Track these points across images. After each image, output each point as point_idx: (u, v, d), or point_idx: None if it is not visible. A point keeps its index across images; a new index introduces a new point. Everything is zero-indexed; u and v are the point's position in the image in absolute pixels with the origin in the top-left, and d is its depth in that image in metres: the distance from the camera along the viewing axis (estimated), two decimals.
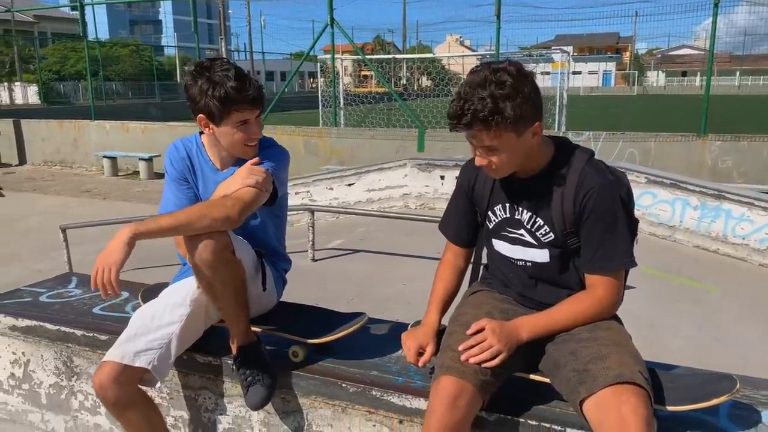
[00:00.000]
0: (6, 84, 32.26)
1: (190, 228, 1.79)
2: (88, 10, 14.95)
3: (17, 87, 32.70)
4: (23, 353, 2.56)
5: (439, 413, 1.57)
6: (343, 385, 1.96)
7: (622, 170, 1.82)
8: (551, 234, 1.76)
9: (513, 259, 1.85)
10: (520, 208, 1.80)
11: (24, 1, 38.76)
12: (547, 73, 17.86)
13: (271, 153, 2.10)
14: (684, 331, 4.24)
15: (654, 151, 10.22)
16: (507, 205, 1.82)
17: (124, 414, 1.98)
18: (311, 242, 5.30)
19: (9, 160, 14.69)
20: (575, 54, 76.87)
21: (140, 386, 2.00)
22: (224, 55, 26.46)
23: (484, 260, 2.03)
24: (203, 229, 1.80)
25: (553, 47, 15.76)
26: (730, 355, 3.82)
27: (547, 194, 1.74)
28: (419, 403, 1.85)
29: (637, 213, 6.49)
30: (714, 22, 9.74)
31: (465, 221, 1.95)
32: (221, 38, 28.67)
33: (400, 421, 1.90)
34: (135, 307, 2.51)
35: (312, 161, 11.34)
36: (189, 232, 1.80)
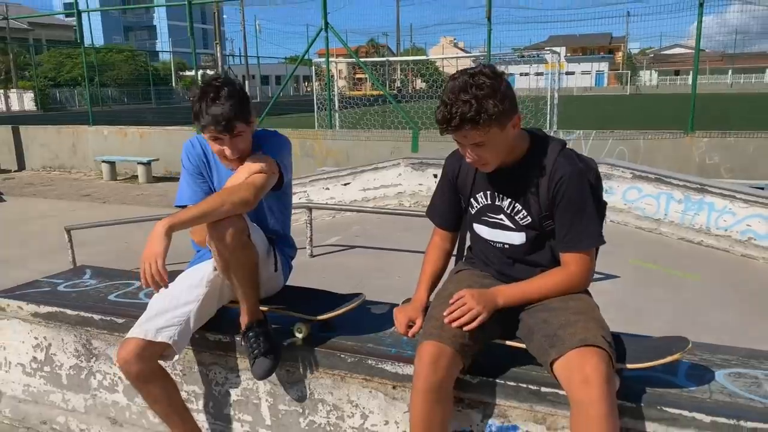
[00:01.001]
0: (2, 91, 32.38)
1: (214, 215, 2.00)
2: (83, 16, 15.10)
3: (13, 94, 32.82)
4: (44, 338, 2.76)
5: (423, 375, 1.78)
6: (342, 356, 2.17)
7: (592, 158, 2.04)
8: (528, 218, 1.97)
9: (492, 241, 2.06)
10: (501, 195, 2.00)
11: (18, 9, 38.88)
12: (540, 74, 18.09)
13: (272, 143, 2.31)
14: (664, 316, 4.45)
15: (643, 149, 10.44)
16: (488, 192, 2.03)
17: (146, 387, 2.18)
18: (309, 239, 5.50)
19: (8, 166, 14.85)
20: (568, 54, 77.24)
21: (159, 362, 2.20)
22: (219, 60, 26.61)
23: (469, 242, 2.24)
24: (225, 214, 2.01)
25: (545, 48, 15.96)
26: (706, 336, 4.02)
27: (524, 182, 1.95)
28: (410, 370, 2.05)
29: (623, 207, 6.76)
30: (699, 22, 9.99)
31: (450, 208, 2.16)
32: (216, 43, 28.78)
33: (394, 387, 2.11)
34: (148, 294, 2.70)
35: (308, 163, 11.53)
36: (213, 218, 2.01)
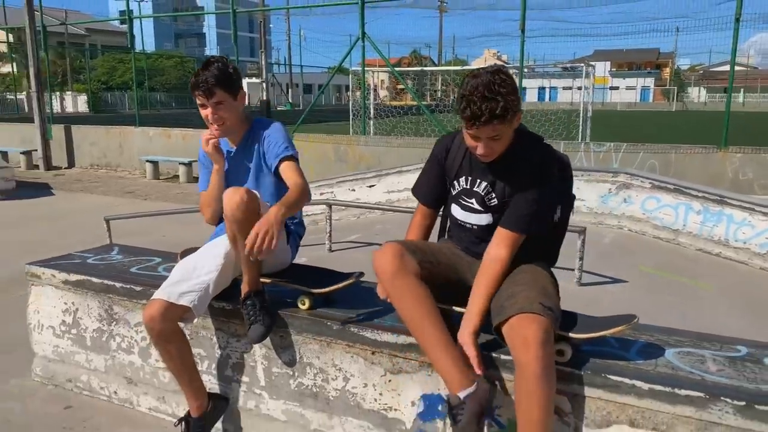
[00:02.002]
0: (58, 93, 33.94)
1: (297, 207, 2.42)
2: (135, 23, 15.85)
3: (68, 96, 34.35)
4: (73, 303, 3.07)
5: (388, 259, 2.06)
6: (328, 323, 2.40)
7: (566, 155, 2.23)
8: (495, 200, 2.18)
9: (463, 222, 2.28)
10: (479, 181, 2.22)
11: (78, 16, 40.67)
12: (579, 88, 17.95)
13: (272, 134, 2.58)
14: (669, 321, 4.52)
15: (674, 162, 10.40)
16: (469, 178, 2.24)
17: (165, 345, 2.45)
18: (328, 234, 5.76)
19: (60, 163, 15.63)
20: (613, 69, 76.22)
21: (179, 324, 2.47)
22: (263, 68, 27.30)
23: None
24: (302, 205, 2.46)
25: (583, 62, 15.94)
26: None
27: (501, 170, 2.16)
28: (387, 337, 2.28)
29: (641, 216, 6.85)
30: (735, 38, 9.92)
31: (433, 187, 2.38)
32: (261, 51, 29.56)
33: (372, 353, 2.33)
34: (167, 269, 2.98)
35: (341, 167, 11.85)
36: (298, 208, 2.46)
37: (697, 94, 72.50)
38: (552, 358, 1.87)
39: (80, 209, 9.79)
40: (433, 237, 2.48)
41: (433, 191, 2.38)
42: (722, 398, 1.79)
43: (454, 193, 2.30)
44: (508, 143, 2.10)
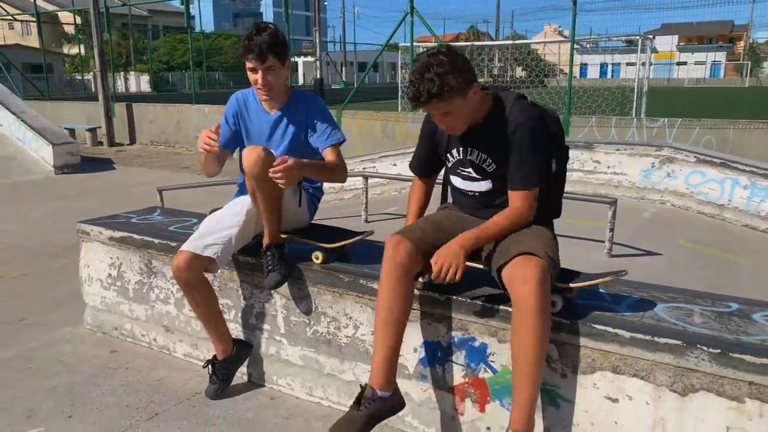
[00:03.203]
0: (122, 73, 35.30)
1: (322, 176, 2.77)
2: (194, 3, 16.33)
3: (132, 76, 35.70)
4: (117, 257, 3.37)
5: (387, 256, 2.19)
6: (340, 276, 2.57)
7: (553, 108, 2.31)
8: (494, 165, 2.28)
9: (465, 190, 2.40)
10: (470, 149, 2.32)
11: None
12: (644, 64, 17.28)
13: (321, 114, 2.75)
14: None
15: (732, 139, 10.04)
16: (460, 148, 2.36)
17: (191, 293, 2.69)
18: (365, 205, 5.94)
19: (122, 140, 16.42)
20: (681, 44, 72.89)
21: (205, 273, 2.70)
22: (318, 46, 27.60)
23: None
24: (327, 180, 2.82)
25: (643, 34, 15.40)
26: None
27: (489, 136, 2.25)
28: None
29: (685, 191, 6.78)
30: None
31: (425, 159, 2.50)
32: (315, 30, 29.83)
33: None
34: None
35: (388, 144, 11.99)
36: (319, 177, 2.80)
37: None
38: (548, 297, 1.98)
39: (138, 182, 10.33)
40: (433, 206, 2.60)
41: (426, 163, 2.50)
42: (699, 346, 1.86)
43: (450, 165, 2.42)
44: (475, 113, 2.19)
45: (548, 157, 2.23)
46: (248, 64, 2.64)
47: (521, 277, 1.97)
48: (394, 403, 2.20)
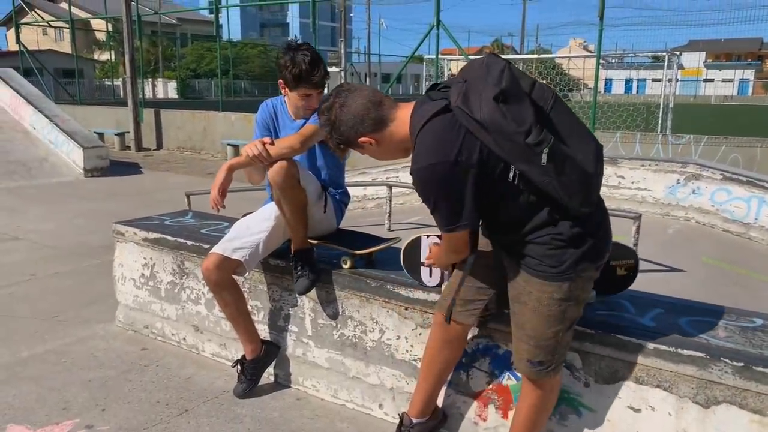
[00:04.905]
0: (150, 80, 35.95)
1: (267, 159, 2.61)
2: (223, 12, 16.64)
3: (160, 83, 36.34)
4: (151, 258, 3.47)
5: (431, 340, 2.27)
6: (367, 281, 2.64)
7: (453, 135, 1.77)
8: None
9: None
10: None
11: (169, 6, 42.80)
12: (670, 80, 17.17)
13: None
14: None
15: (760, 157, 9.96)
16: None
17: (220, 293, 2.78)
18: (388, 214, 6.01)
19: (149, 145, 16.72)
20: (709, 60, 72.10)
21: (233, 275, 2.78)
22: (342, 57, 27.85)
23: None
24: (276, 158, 2.54)
25: (669, 51, 15.31)
26: None
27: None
28: (419, 295, 2.49)
29: (710, 209, 6.74)
30: None
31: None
32: (341, 40, 30.12)
33: (406, 308, 2.56)
34: None
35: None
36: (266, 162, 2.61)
37: None
38: (546, 403, 2.09)
39: (165, 187, 10.52)
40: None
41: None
42: (722, 359, 1.89)
43: None
44: (385, 155, 2.03)
45: (457, 199, 1.82)
46: (303, 91, 2.73)
47: (529, 389, 2.07)
48: (431, 425, 2.38)
